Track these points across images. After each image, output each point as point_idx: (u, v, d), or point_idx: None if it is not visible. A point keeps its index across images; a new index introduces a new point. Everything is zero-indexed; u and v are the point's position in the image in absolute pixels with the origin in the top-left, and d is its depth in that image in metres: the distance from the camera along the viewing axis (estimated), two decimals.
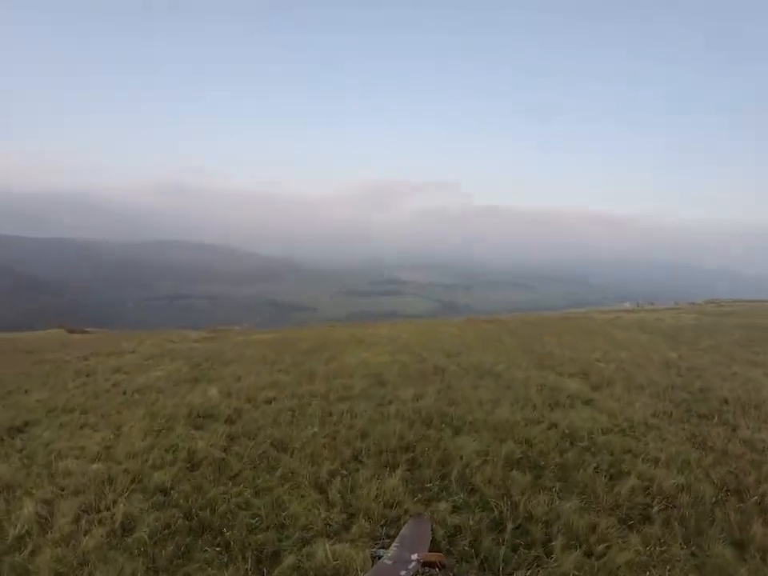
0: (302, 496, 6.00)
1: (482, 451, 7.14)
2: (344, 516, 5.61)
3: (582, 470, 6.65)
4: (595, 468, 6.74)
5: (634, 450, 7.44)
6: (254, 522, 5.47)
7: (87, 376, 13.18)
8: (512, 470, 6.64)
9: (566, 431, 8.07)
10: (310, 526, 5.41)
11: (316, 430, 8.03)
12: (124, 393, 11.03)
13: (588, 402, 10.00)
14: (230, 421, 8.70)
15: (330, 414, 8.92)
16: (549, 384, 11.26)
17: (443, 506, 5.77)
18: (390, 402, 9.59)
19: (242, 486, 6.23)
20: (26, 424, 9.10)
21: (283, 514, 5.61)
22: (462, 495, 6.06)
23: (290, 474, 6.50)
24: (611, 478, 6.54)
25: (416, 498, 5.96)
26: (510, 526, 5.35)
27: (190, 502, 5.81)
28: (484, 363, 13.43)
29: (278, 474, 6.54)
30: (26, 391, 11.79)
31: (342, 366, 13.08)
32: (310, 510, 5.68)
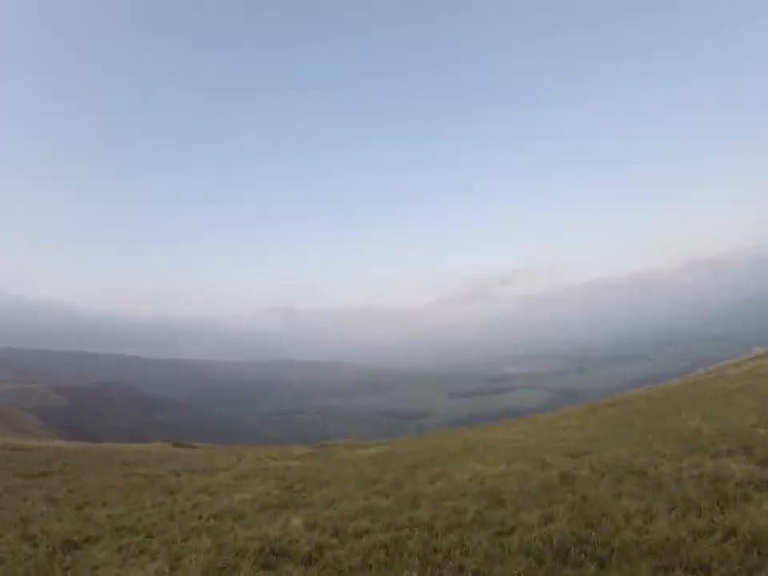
0: None
1: None
2: None
3: None
4: None
5: None
6: None
7: (171, 494, 12.26)
8: None
9: (749, 537, 5.84)
10: None
11: (414, 575, 6.11)
12: (200, 517, 9.78)
13: (764, 488, 7.66)
14: (307, 561, 6.93)
15: (435, 551, 6.85)
16: (707, 472, 8.90)
17: None
18: (512, 530, 7.44)
19: None
20: (87, 540, 8.37)
21: None
22: None
23: None
24: None
25: None
26: None
27: None
28: (619, 459, 11.11)
29: None
30: (104, 504, 11.12)
31: (451, 484, 11.09)
32: None
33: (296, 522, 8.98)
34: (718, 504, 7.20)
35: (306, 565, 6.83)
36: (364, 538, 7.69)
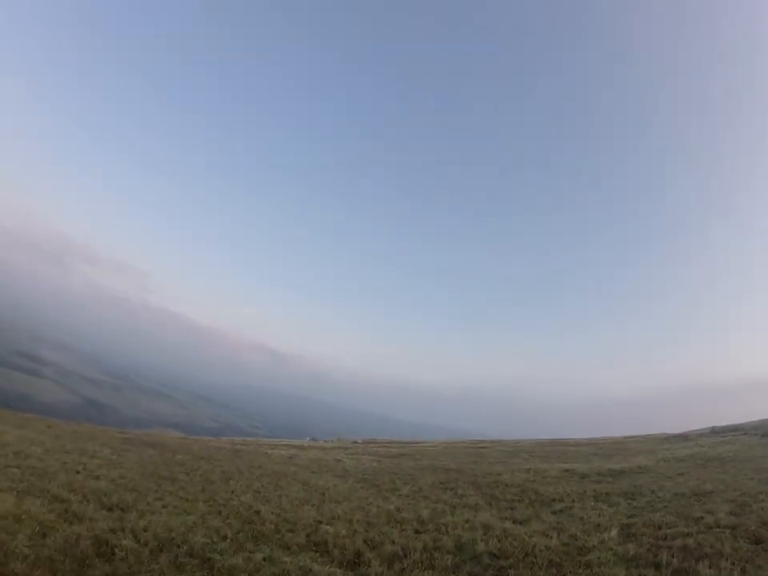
0: None
1: None
2: None
3: None
4: None
5: None
6: None
7: None
8: None
9: None
10: None
11: None
12: None
13: None
14: None
15: None
16: (289, 571, 7.23)
17: None
18: None
19: None
20: None
21: None
22: None
23: None
24: None
25: None
26: None
27: None
28: (174, 532, 8.38)
29: None
30: None
31: None
32: None
33: None
34: None
35: None
36: None
